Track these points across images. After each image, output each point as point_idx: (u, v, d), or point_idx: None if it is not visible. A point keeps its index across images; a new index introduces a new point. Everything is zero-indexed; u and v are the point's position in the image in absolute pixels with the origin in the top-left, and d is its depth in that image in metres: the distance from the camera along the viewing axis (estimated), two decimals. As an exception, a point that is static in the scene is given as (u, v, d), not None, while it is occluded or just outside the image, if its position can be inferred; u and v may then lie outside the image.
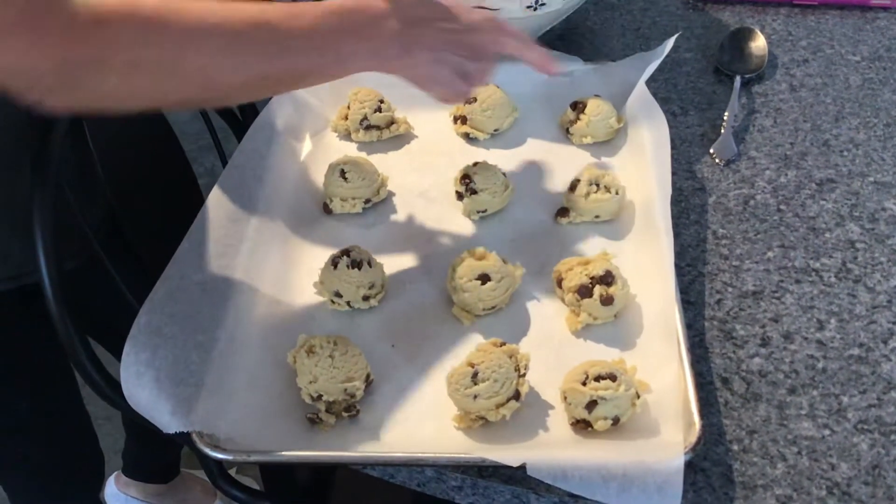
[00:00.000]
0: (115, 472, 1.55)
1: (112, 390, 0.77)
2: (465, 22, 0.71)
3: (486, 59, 0.73)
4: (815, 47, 1.05)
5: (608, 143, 0.90)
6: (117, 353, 0.67)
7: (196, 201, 0.80)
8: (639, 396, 0.64)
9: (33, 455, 1.08)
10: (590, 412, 0.62)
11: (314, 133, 0.94)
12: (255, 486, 1.00)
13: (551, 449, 0.62)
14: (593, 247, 0.78)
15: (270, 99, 0.92)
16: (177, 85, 0.61)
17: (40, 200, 0.71)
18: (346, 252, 0.75)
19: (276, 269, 0.78)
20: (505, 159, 0.89)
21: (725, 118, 0.93)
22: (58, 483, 1.14)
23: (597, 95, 0.91)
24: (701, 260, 0.79)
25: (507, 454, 0.60)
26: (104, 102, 0.59)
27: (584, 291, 0.71)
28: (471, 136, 0.93)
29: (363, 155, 0.89)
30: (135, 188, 0.98)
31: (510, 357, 0.66)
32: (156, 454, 1.50)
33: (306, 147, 0.92)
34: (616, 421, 0.62)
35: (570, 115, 0.91)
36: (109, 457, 1.58)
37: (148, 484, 1.52)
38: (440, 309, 0.75)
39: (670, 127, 0.82)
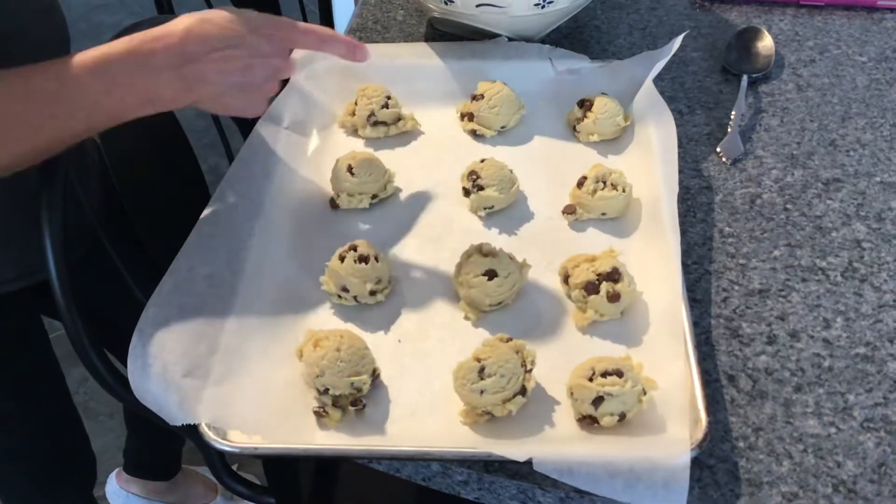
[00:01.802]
0: (116, 470, 1.55)
1: (117, 382, 0.78)
2: (247, 38, 0.68)
3: (279, 67, 0.71)
4: (822, 47, 1.05)
5: (615, 141, 0.91)
6: (120, 352, 0.67)
7: (203, 196, 0.80)
8: (645, 393, 0.64)
9: (22, 454, 1.08)
10: (596, 408, 0.62)
11: (321, 129, 0.94)
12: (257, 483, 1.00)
13: (557, 444, 0.63)
14: (600, 244, 0.78)
15: (278, 94, 0.92)
16: None
17: (48, 199, 0.71)
18: (353, 247, 0.75)
19: (283, 263, 0.78)
20: (512, 156, 0.89)
21: (732, 117, 0.94)
22: (48, 481, 1.14)
23: (604, 93, 0.91)
24: (707, 258, 0.79)
25: (513, 449, 0.60)
26: None
27: (591, 288, 0.71)
28: (477, 132, 0.93)
29: (370, 151, 0.89)
30: (143, 182, 0.98)
31: (517, 353, 0.66)
32: (157, 451, 1.51)
33: (313, 142, 0.92)
34: (622, 417, 0.62)
35: (577, 112, 0.91)
36: (113, 453, 1.58)
37: (149, 481, 1.52)
38: (447, 304, 0.75)
39: (677, 125, 0.83)
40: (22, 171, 0.68)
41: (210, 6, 1.46)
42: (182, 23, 0.66)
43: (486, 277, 0.72)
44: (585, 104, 0.91)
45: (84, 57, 0.64)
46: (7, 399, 1.00)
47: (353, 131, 0.94)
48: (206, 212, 0.77)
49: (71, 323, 0.73)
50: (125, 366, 0.64)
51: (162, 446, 1.49)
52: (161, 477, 1.53)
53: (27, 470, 1.10)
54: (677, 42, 0.89)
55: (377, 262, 0.75)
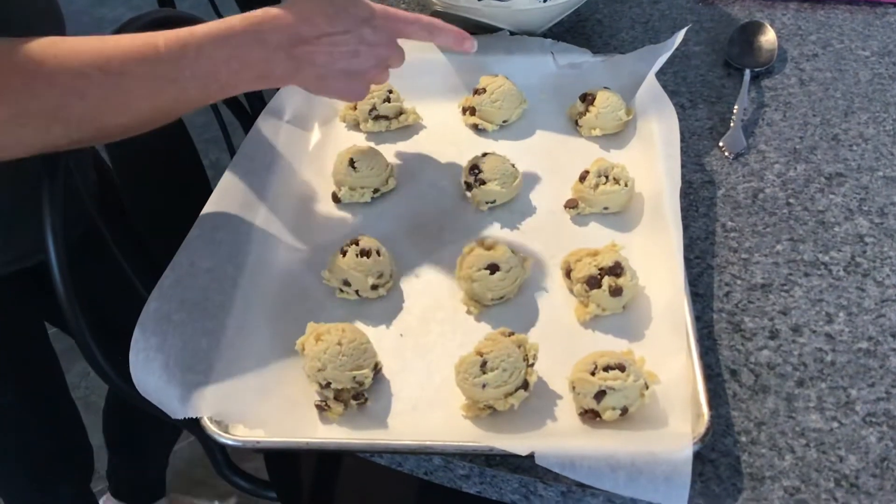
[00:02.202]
0: (105, 496, 1.54)
1: (119, 377, 0.78)
2: (356, 26, 0.71)
3: (384, 56, 0.75)
4: (825, 42, 1.05)
5: (617, 136, 0.90)
6: (120, 346, 0.67)
7: (205, 191, 0.80)
8: (647, 387, 0.63)
9: (19, 446, 1.08)
10: (598, 402, 0.62)
11: (323, 122, 0.94)
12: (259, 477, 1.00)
13: (559, 438, 0.63)
14: (602, 238, 0.78)
15: (279, 89, 0.92)
16: (63, 130, 0.62)
17: (49, 188, 0.71)
18: (355, 241, 0.75)
19: (284, 257, 0.78)
20: (513, 150, 0.89)
21: (735, 111, 0.93)
22: (45, 473, 1.14)
23: (606, 87, 0.91)
24: (710, 252, 0.79)
25: (515, 443, 0.60)
26: None
27: (593, 282, 0.71)
28: (479, 127, 0.93)
29: (372, 145, 0.89)
30: (144, 177, 0.98)
31: (519, 347, 0.66)
32: (139, 471, 1.49)
33: (315, 136, 0.92)
34: (624, 411, 0.62)
35: (580, 106, 0.91)
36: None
37: None
38: (449, 298, 0.75)
39: (679, 120, 0.83)
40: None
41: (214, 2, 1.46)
42: (296, 6, 0.69)
43: (488, 271, 0.72)
44: (587, 98, 0.90)
45: (207, 28, 0.66)
46: (6, 394, 1.00)
47: (355, 125, 0.94)
48: (207, 206, 0.77)
49: (72, 314, 0.72)
50: (125, 360, 0.64)
51: (143, 466, 1.48)
52: (146, 500, 1.52)
53: (27, 465, 1.10)
54: (680, 36, 0.89)
55: (379, 256, 0.75)
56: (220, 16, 0.82)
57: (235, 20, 0.67)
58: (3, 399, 1.00)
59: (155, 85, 0.65)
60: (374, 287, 0.74)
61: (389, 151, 0.90)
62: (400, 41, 0.76)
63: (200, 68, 0.66)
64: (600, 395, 0.62)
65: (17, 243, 0.88)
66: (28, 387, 1.03)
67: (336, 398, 0.66)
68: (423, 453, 0.64)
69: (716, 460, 0.63)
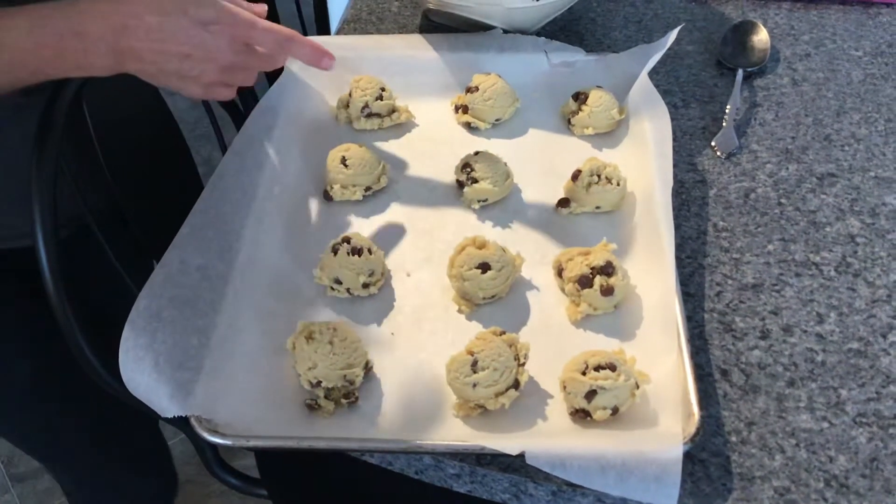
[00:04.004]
0: None
1: (110, 374, 0.77)
2: (189, 29, 0.67)
3: (223, 65, 0.70)
4: (818, 42, 1.05)
5: (610, 135, 0.90)
6: (109, 343, 0.67)
7: (196, 187, 0.80)
8: (638, 387, 0.64)
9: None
10: (589, 402, 0.62)
11: (315, 120, 0.94)
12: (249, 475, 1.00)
13: (550, 438, 0.63)
14: (594, 237, 0.78)
15: (272, 85, 0.92)
16: None
17: (38, 177, 0.71)
18: (346, 239, 0.75)
19: (275, 255, 0.78)
20: (506, 149, 0.88)
21: (727, 111, 0.93)
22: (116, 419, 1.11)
23: (599, 86, 0.91)
24: (701, 252, 0.79)
25: (505, 442, 0.60)
26: None
27: (585, 282, 0.71)
28: (472, 125, 0.93)
29: (364, 143, 0.88)
30: (135, 173, 0.98)
31: (510, 346, 0.66)
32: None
33: (307, 134, 0.92)
34: (615, 411, 0.62)
35: (572, 105, 0.91)
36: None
37: None
38: (440, 297, 0.75)
39: (672, 119, 0.82)
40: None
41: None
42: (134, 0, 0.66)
43: (480, 270, 0.72)
44: (580, 97, 0.90)
45: (24, 12, 0.65)
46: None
47: (348, 123, 0.94)
48: (198, 203, 0.77)
49: (61, 310, 0.72)
50: (115, 357, 0.64)
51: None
52: None
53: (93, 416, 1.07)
54: (673, 35, 0.89)
55: (370, 254, 0.74)
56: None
57: (62, 5, 0.65)
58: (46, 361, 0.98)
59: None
60: (366, 285, 0.74)
61: (382, 149, 0.89)
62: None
63: (13, 55, 0.65)
64: (591, 394, 0.62)
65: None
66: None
67: (327, 397, 0.66)
68: (413, 452, 0.64)
69: (706, 460, 0.63)
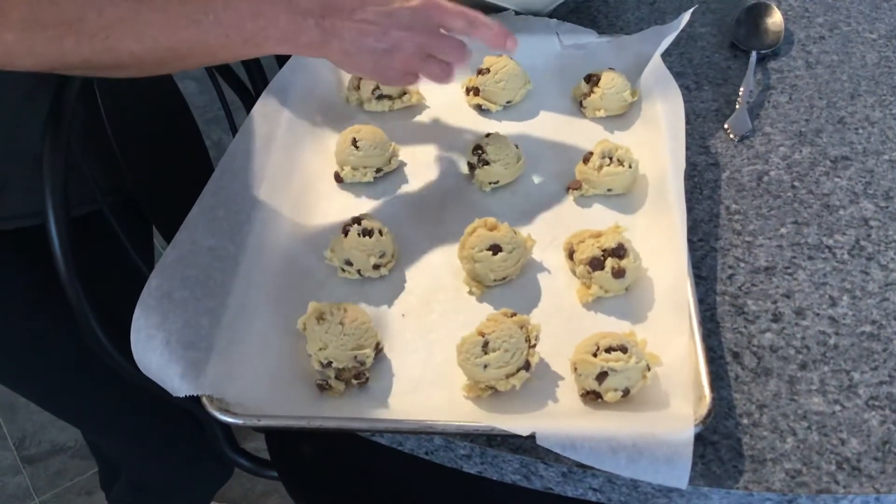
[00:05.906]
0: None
1: (122, 355, 0.78)
2: (393, 8, 0.69)
3: (420, 43, 0.71)
4: (832, 24, 1.04)
5: (622, 117, 0.90)
6: (120, 324, 0.67)
7: (207, 171, 0.80)
8: (649, 369, 0.63)
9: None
10: (600, 383, 0.62)
11: (326, 102, 0.94)
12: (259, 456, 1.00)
13: (561, 419, 0.62)
14: (605, 220, 0.78)
15: (282, 67, 0.91)
16: (75, 45, 0.61)
17: (51, 155, 0.71)
18: (357, 220, 0.75)
19: (286, 236, 0.78)
20: (517, 131, 0.88)
21: (740, 94, 0.93)
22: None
23: (611, 68, 0.90)
24: (713, 235, 0.78)
25: (516, 423, 0.60)
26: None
27: (596, 264, 0.71)
28: (483, 107, 0.92)
29: (375, 124, 0.88)
30: (146, 156, 0.98)
31: (521, 327, 0.66)
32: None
33: (318, 116, 0.92)
34: (626, 393, 0.62)
35: (584, 87, 0.90)
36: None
37: None
38: (451, 279, 0.75)
39: (685, 102, 0.82)
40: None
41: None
42: None
43: (491, 252, 0.72)
44: (592, 79, 0.90)
45: None
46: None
47: (358, 105, 0.94)
48: (209, 184, 0.77)
49: (73, 291, 0.72)
50: (127, 338, 0.64)
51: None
52: None
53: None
54: (686, 17, 0.88)
55: (381, 235, 0.74)
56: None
57: None
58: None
59: (175, 21, 0.63)
60: (376, 267, 0.74)
61: (392, 131, 0.89)
62: None
63: (226, 16, 0.64)
64: (602, 376, 0.62)
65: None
66: None
67: (337, 377, 0.66)
68: (423, 433, 0.64)
69: (717, 442, 0.63)
